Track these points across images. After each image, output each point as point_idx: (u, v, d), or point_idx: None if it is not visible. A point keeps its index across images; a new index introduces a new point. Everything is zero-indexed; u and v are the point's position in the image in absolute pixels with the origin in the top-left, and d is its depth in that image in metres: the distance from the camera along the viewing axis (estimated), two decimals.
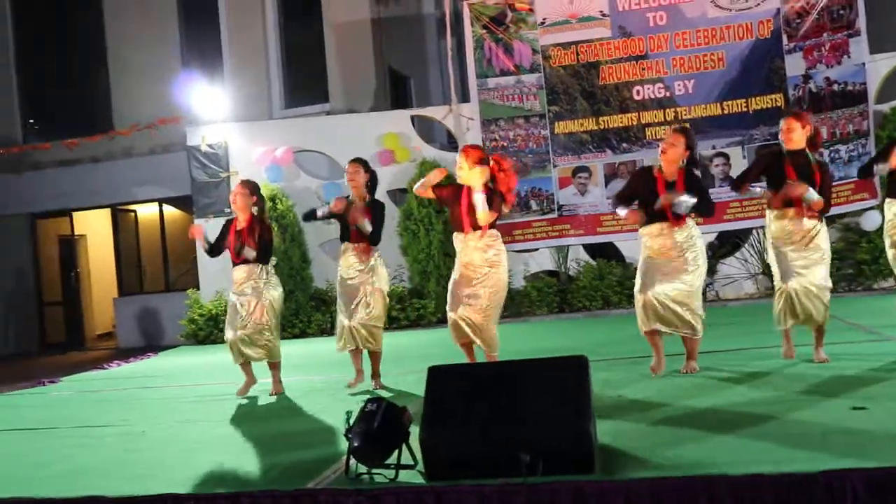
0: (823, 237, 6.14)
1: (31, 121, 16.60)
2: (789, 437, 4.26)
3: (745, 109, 12.13)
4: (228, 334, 7.12)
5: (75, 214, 16.42)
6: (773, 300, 6.25)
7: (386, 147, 12.67)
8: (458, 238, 6.45)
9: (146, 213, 16.26)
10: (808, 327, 6.21)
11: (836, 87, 11.87)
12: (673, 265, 6.13)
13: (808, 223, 6.08)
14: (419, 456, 4.07)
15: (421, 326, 11.99)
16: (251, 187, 7.35)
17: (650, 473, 3.81)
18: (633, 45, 12.43)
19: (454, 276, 6.46)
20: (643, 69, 12.43)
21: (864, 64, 11.74)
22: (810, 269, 6.04)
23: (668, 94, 12.36)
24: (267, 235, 7.27)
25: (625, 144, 12.42)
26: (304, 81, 15.83)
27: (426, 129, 14.20)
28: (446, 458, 4.03)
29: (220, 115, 13.12)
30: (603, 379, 6.26)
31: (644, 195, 6.26)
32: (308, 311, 12.27)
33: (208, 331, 12.46)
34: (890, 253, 6.80)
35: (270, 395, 6.99)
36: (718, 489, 3.52)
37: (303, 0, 15.70)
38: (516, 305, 12.04)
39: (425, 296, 12.15)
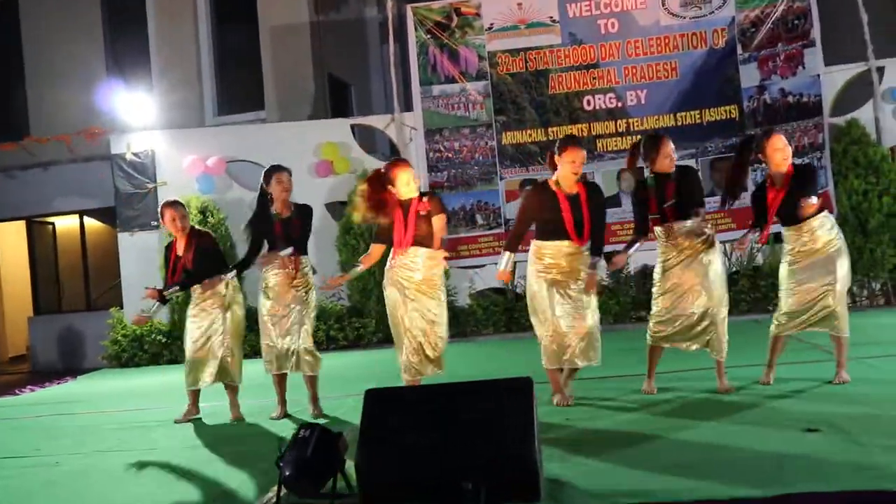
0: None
1: None
2: (737, 461, 4.32)
3: (699, 121, 12.33)
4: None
5: None
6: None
7: (324, 157, 12.63)
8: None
9: (65, 225, 15.96)
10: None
11: (790, 98, 12.13)
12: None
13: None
14: (355, 484, 4.05)
15: (360, 347, 11.94)
16: (182, 206, 7.29)
17: (599, 502, 3.83)
18: (584, 52, 12.58)
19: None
20: (594, 78, 12.58)
21: (819, 75, 12.02)
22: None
23: (619, 104, 12.52)
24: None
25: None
26: (239, 87, 15.72)
27: (367, 138, 14.19)
28: (384, 487, 4.02)
29: (147, 123, 12.97)
30: (549, 401, 6.31)
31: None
32: None
33: (132, 353, 12.28)
34: None
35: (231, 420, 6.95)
36: None
37: (238, 2, 15.61)
38: (461, 325, 12.05)
39: (365, 314, 12.10)
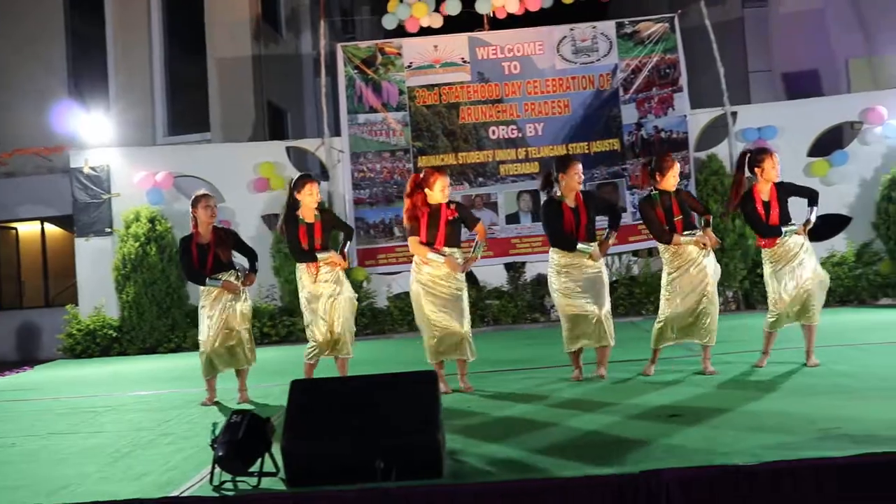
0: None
1: None
2: (611, 441, 4.45)
3: (587, 151, 12.52)
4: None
5: None
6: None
7: (262, 175, 12.51)
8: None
9: (27, 230, 15.52)
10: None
11: (663, 134, 12.45)
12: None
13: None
14: (281, 464, 4.06)
15: (290, 342, 11.85)
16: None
17: (492, 477, 3.91)
18: (490, 89, 12.71)
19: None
20: (498, 112, 12.71)
21: (685, 116, 12.38)
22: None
23: (520, 134, 12.67)
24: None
25: (481, 179, 12.64)
26: (187, 111, 15.52)
27: (300, 159, 14.10)
28: (306, 466, 4.04)
29: (104, 140, 12.69)
30: (456, 388, 6.40)
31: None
32: (184, 328, 11.95)
33: (85, 345, 11.99)
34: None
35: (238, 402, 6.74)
36: (554, 491, 3.64)
37: (188, 34, 15.41)
38: (379, 323, 12.08)
39: (295, 313, 12.00)
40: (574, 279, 6.42)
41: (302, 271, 6.78)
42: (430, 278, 6.44)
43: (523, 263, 12.65)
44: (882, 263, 11.62)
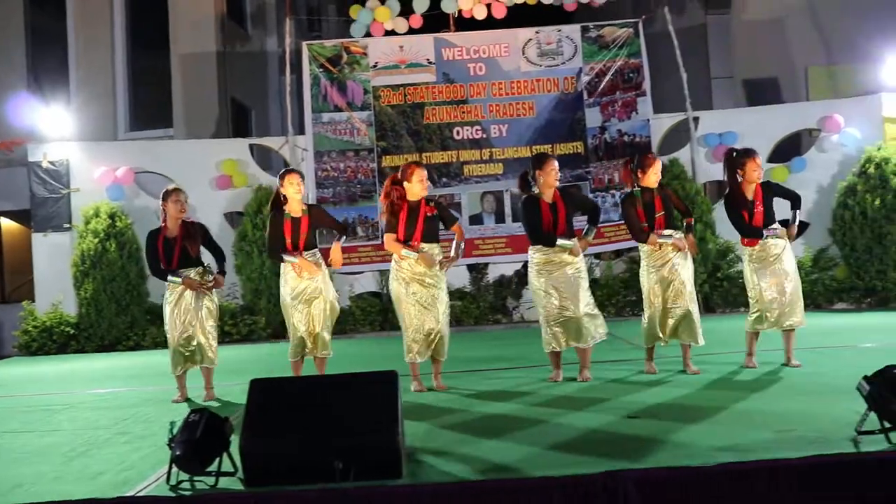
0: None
1: None
2: (574, 442, 4.48)
3: (550, 153, 12.53)
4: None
5: None
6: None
7: (224, 172, 12.42)
8: None
9: None
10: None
11: (626, 138, 12.56)
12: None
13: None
14: (239, 463, 4.02)
15: (252, 341, 11.77)
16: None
17: (452, 478, 3.91)
18: (455, 90, 12.74)
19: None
20: (463, 112, 12.74)
21: (648, 120, 12.51)
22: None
23: (484, 135, 12.71)
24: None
25: (445, 179, 12.66)
26: (150, 106, 15.39)
27: (264, 157, 14.02)
28: (265, 466, 4.00)
29: (64, 134, 12.48)
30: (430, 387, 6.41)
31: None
32: (143, 325, 11.81)
33: (42, 342, 11.79)
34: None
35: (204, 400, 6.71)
36: (512, 491, 3.66)
37: (152, 29, 15.26)
38: (341, 323, 11.98)
39: (257, 312, 11.94)
40: (554, 279, 6.43)
41: (287, 267, 6.72)
42: (410, 277, 6.44)
43: (486, 265, 12.70)
44: (838, 269, 11.83)
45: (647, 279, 6.68)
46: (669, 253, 6.57)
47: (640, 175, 6.63)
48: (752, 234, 6.54)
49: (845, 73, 14.29)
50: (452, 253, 6.54)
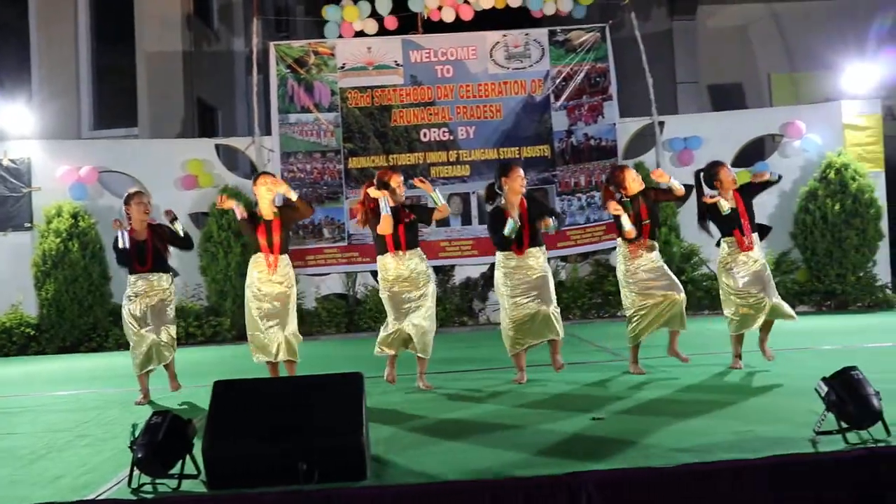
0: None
1: None
2: (539, 443, 4.50)
3: (518, 156, 12.62)
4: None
5: None
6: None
7: (190, 172, 12.31)
8: None
9: None
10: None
11: (592, 142, 12.65)
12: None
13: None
14: (202, 466, 3.99)
15: (216, 342, 11.68)
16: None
17: (416, 479, 3.91)
18: (423, 92, 12.74)
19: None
20: (430, 114, 12.75)
21: (615, 124, 12.61)
22: None
23: (451, 137, 12.73)
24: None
25: (411, 181, 12.56)
26: (114, 105, 15.19)
27: (230, 157, 13.93)
28: (228, 468, 3.98)
29: (25, 132, 12.29)
30: (382, 390, 6.39)
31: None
32: (106, 326, 11.67)
33: (0, 344, 11.56)
34: (722, 284, 6.94)
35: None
36: (476, 492, 3.67)
37: (117, 27, 15.09)
38: (307, 325, 11.96)
39: (222, 313, 11.85)
40: (521, 280, 6.58)
41: (252, 266, 6.70)
42: (395, 276, 6.56)
43: (452, 266, 12.72)
44: (798, 272, 12.01)
45: (630, 286, 6.80)
46: (650, 256, 6.77)
47: (622, 191, 6.81)
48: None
49: (807, 80, 14.54)
50: (438, 205, 6.68)
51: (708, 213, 6.81)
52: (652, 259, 6.79)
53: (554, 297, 6.68)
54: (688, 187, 6.96)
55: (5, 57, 14.96)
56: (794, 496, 3.66)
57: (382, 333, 6.62)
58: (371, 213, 6.63)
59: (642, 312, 6.74)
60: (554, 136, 12.74)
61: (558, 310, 6.68)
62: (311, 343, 11.25)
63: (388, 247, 6.58)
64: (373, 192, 6.57)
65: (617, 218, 6.76)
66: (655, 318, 6.73)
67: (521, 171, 6.71)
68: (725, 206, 6.67)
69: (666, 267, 6.92)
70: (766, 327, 6.79)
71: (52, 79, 14.66)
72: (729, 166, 6.90)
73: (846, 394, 4.07)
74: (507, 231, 6.52)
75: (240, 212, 6.75)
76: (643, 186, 6.90)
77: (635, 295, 6.78)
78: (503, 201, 6.69)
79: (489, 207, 6.97)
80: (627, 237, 6.75)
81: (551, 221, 6.62)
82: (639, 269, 6.76)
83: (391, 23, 12.54)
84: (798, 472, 3.70)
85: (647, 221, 6.73)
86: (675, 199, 7.02)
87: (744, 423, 4.65)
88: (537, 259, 6.68)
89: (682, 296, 6.72)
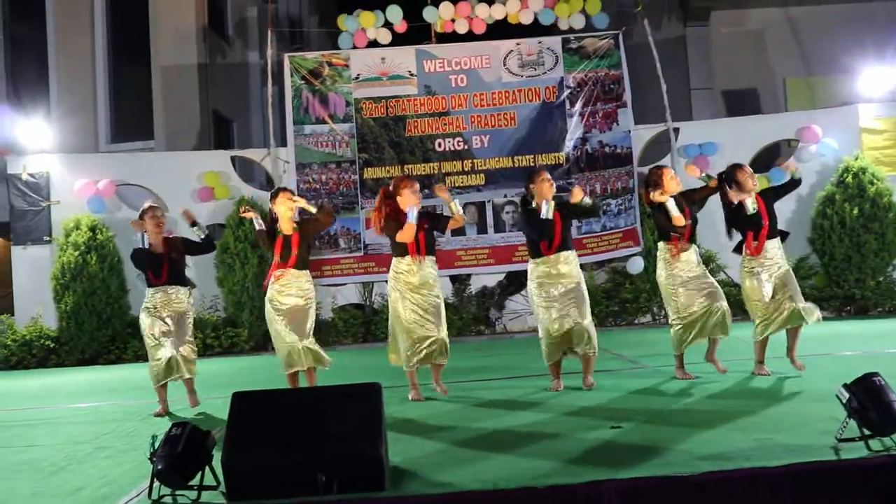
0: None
1: None
2: (558, 453, 4.48)
3: (532, 164, 12.59)
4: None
5: None
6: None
7: (206, 184, 12.38)
8: None
9: None
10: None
11: (607, 149, 12.61)
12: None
13: None
14: (222, 477, 4.00)
15: (234, 353, 11.72)
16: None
17: (435, 490, 3.90)
18: (437, 102, 12.75)
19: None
20: (445, 124, 12.75)
21: (629, 131, 12.56)
22: None
23: (466, 146, 12.73)
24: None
25: (426, 191, 12.57)
26: (131, 118, 15.33)
27: (245, 169, 13.99)
28: (247, 480, 3.98)
29: (44, 146, 12.41)
30: (400, 400, 6.38)
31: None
32: (125, 338, 11.73)
33: (21, 356, 11.67)
34: (745, 289, 6.87)
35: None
36: (495, 502, 3.66)
37: (133, 41, 15.22)
38: (324, 335, 11.97)
39: (239, 325, 11.89)
40: (554, 290, 6.53)
41: (272, 281, 6.76)
42: (407, 286, 6.53)
43: (469, 276, 12.70)
44: (816, 277, 11.93)
45: (672, 294, 6.73)
46: (690, 259, 6.73)
47: (661, 192, 6.67)
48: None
49: (823, 84, 14.46)
50: (456, 214, 6.66)
51: (733, 214, 6.74)
52: (693, 262, 6.73)
53: (589, 310, 6.59)
54: (718, 176, 6.91)
55: (24, 72, 15.13)
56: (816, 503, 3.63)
57: (412, 346, 6.49)
58: (388, 219, 6.61)
59: (687, 321, 6.67)
60: (569, 144, 12.71)
61: (593, 325, 6.60)
62: (327, 353, 11.24)
63: (408, 251, 6.57)
64: (401, 203, 6.56)
65: (662, 206, 6.63)
66: (700, 330, 6.65)
67: (547, 175, 6.69)
68: (750, 206, 6.63)
69: (707, 273, 6.83)
70: (793, 334, 6.69)
71: (70, 93, 14.80)
72: (748, 168, 6.81)
73: (868, 400, 4.04)
74: (543, 213, 6.50)
75: (258, 224, 6.80)
76: (681, 187, 6.83)
77: (678, 303, 6.71)
78: (534, 204, 6.69)
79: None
80: (676, 224, 6.62)
81: (580, 193, 6.63)
82: (680, 274, 6.69)
83: (404, 29, 12.56)
84: (820, 480, 3.67)
85: (688, 222, 6.69)
86: (712, 191, 6.95)
87: (764, 431, 4.62)
88: (569, 265, 6.63)
89: (725, 304, 6.63)
